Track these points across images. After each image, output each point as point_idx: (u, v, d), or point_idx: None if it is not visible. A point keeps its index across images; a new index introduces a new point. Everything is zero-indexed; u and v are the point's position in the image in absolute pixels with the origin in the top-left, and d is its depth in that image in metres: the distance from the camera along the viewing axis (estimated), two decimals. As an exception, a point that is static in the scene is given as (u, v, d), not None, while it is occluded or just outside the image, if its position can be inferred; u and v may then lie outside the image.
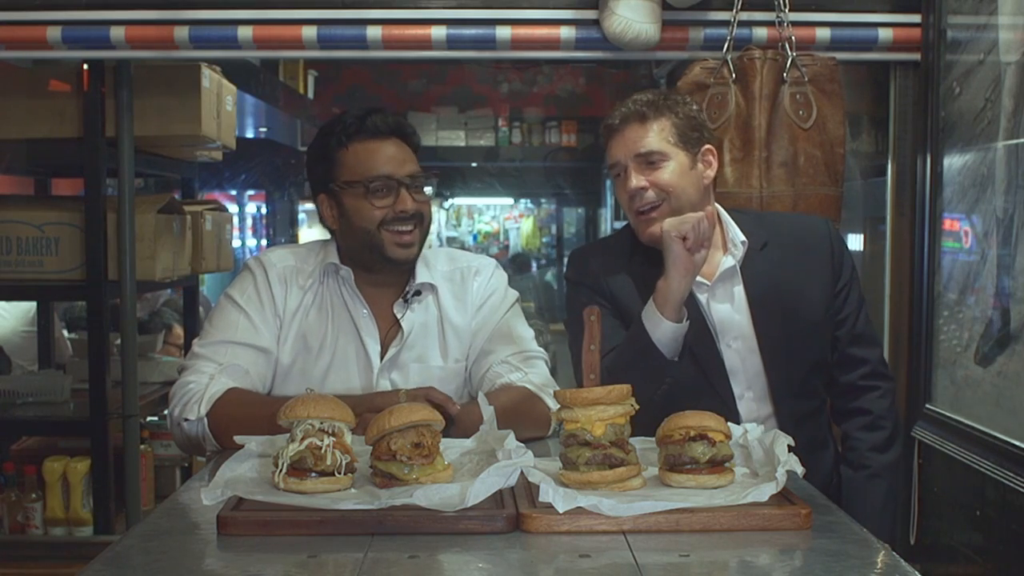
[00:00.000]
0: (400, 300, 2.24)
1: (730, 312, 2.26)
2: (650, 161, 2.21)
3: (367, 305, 2.22)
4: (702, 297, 2.25)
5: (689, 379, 2.18)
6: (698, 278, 2.22)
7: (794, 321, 2.25)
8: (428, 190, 2.23)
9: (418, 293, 2.25)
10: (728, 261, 2.26)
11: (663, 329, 2.11)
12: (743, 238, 2.27)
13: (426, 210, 2.20)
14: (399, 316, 2.23)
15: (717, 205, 2.33)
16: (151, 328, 4.84)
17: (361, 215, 2.15)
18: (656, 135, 2.21)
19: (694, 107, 2.30)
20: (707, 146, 2.27)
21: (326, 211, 2.23)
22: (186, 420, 2.06)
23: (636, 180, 2.20)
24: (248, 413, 2.01)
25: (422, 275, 2.26)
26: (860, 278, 2.41)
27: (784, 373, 2.25)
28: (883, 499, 2.27)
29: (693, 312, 2.22)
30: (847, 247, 2.37)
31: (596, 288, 2.30)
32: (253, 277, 2.23)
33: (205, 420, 2.05)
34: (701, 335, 2.22)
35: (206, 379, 2.09)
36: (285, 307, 2.20)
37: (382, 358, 2.21)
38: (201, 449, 2.10)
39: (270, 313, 2.19)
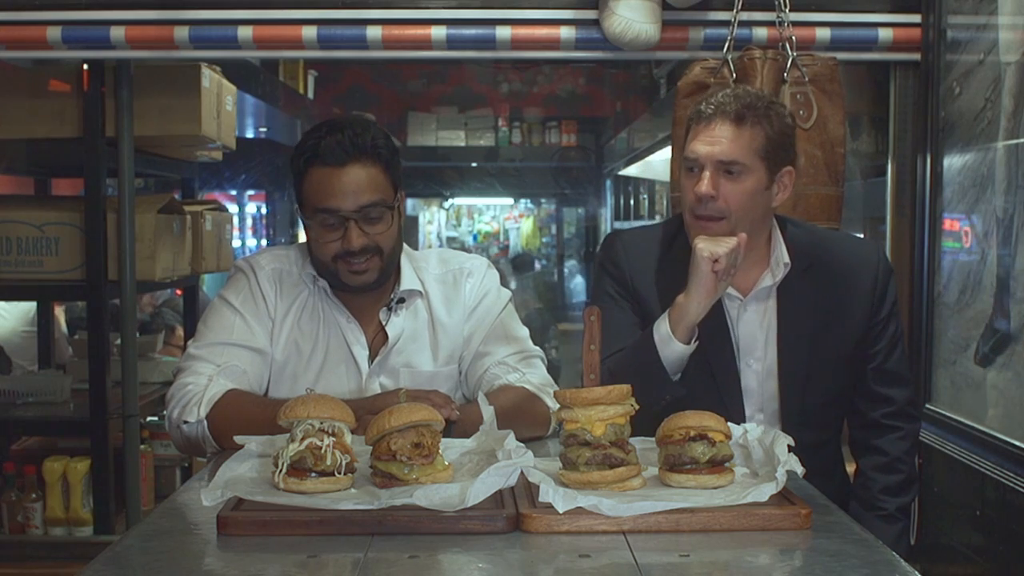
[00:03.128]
0: (384, 308, 2.22)
1: (757, 331, 2.18)
2: (730, 171, 2.06)
3: (349, 313, 2.21)
4: (732, 311, 2.18)
5: (701, 391, 2.13)
6: (732, 291, 2.17)
7: (820, 352, 2.17)
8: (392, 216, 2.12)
9: (402, 301, 2.23)
10: (766, 280, 2.17)
11: (671, 349, 2.06)
12: (787, 260, 2.16)
13: (383, 240, 2.10)
14: (384, 323, 2.21)
15: (774, 218, 2.22)
16: (152, 329, 4.85)
17: (316, 244, 2.13)
18: (746, 143, 2.05)
19: (789, 120, 2.13)
20: (788, 168, 2.12)
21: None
22: (185, 423, 2.05)
23: (706, 186, 2.05)
24: (248, 414, 2.00)
25: (408, 281, 2.23)
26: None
27: (799, 402, 2.18)
28: (895, 540, 2.19)
29: (719, 325, 2.16)
30: (893, 279, 2.25)
31: (620, 279, 2.23)
32: (246, 278, 2.22)
33: (205, 422, 2.03)
34: (722, 349, 2.17)
35: (204, 380, 2.08)
36: (276, 309, 2.19)
37: (370, 363, 2.20)
38: (200, 451, 2.09)
39: (264, 314, 2.18)
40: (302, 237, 2.29)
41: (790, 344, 2.17)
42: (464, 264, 2.31)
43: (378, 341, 2.22)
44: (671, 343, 2.06)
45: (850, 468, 2.38)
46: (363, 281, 2.13)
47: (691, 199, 2.10)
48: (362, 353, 2.19)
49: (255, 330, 2.16)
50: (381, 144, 2.10)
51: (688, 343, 2.07)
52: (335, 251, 2.09)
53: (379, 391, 2.16)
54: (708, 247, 2.02)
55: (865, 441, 2.28)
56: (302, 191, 2.12)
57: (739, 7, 2.78)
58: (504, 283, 2.39)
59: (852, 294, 2.20)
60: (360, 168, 2.07)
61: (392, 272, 2.21)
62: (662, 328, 2.08)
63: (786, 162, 2.12)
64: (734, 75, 2.75)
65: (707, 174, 2.06)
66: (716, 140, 2.06)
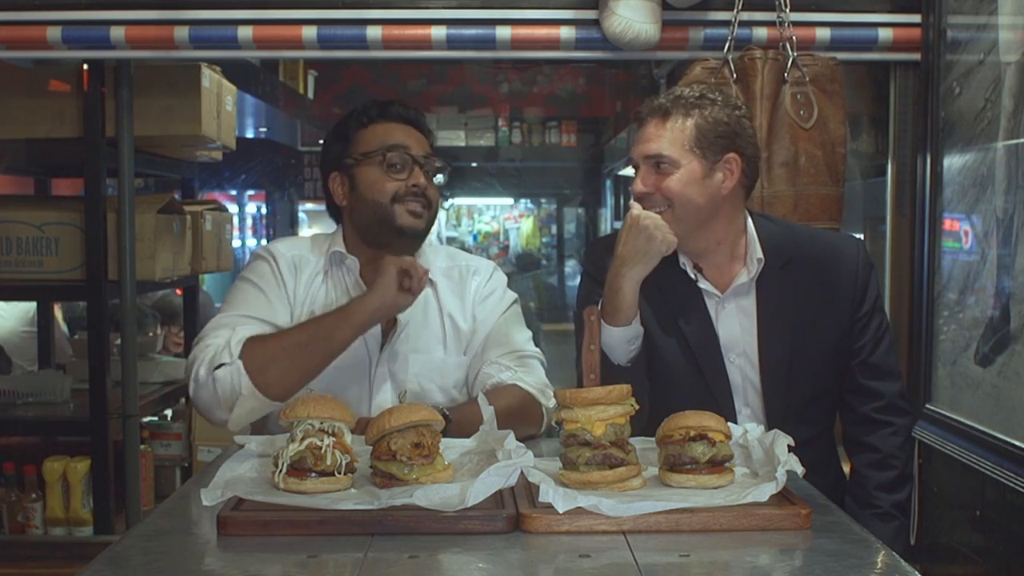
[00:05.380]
0: None
1: (737, 328, 2.20)
2: (658, 164, 2.12)
3: None
4: (712, 308, 2.20)
5: (692, 389, 2.16)
6: (710, 288, 2.20)
7: (801, 348, 2.18)
8: (439, 178, 2.25)
9: None
10: (743, 276, 2.19)
11: (611, 334, 2.06)
12: (760, 255, 2.18)
13: (435, 196, 2.24)
14: None
15: (748, 214, 2.24)
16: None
17: (375, 188, 2.19)
18: (669, 137, 2.11)
19: (735, 111, 2.17)
20: (730, 154, 2.13)
21: (337, 188, 2.26)
22: (219, 368, 2.02)
23: (640, 184, 2.13)
24: (276, 342, 2.04)
25: None
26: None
27: (782, 398, 2.19)
28: (892, 538, 2.20)
29: (702, 322, 2.19)
30: (875, 273, 2.27)
31: (604, 282, 2.25)
32: (268, 262, 2.24)
33: (240, 363, 2.02)
34: (707, 346, 2.18)
35: (223, 340, 2.08)
36: (295, 294, 2.21)
37: (381, 349, 2.21)
38: (230, 401, 2.03)
39: (285, 297, 2.21)
40: (303, 234, 2.30)
41: (770, 340, 2.19)
42: (471, 263, 2.35)
43: (387, 327, 2.23)
44: (606, 328, 2.07)
45: (846, 467, 2.39)
46: (416, 226, 2.21)
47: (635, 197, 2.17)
48: (373, 340, 2.20)
49: (276, 308, 2.18)
50: (427, 127, 2.34)
51: (624, 325, 2.06)
52: (396, 189, 2.18)
53: (388, 377, 2.19)
54: (640, 211, 2.09)
55: (857, 437, 2.29)
56: (359, 144, 2.23)
57: (739, 7, 2.78)
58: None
59: (832, 289, 2.22)
60: (418, 132, 2.29)
61: (423, 241, 2.29)
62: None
63: (727, 149, 2.14)
64: (734, 75, 2.75)
65: (641, 171, 2.14)
66: (645, 138, 2.14)
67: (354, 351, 2.17)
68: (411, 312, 2.21)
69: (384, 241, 2.21)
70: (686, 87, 2.18)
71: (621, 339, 2.06)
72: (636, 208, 2.10)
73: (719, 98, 2.17)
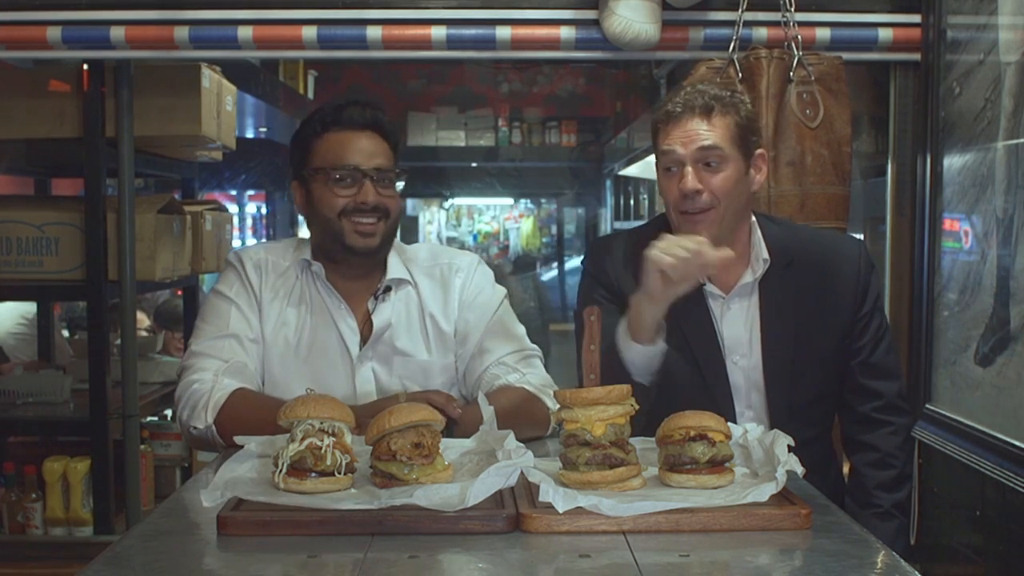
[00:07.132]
0: (372, 297, 2.24)
1: (741, 329, 2.20)
2: (708, 162, 2.09)
3: (340, 297, 2.23)
4: (716, 309, 2.20)
5: (692, 390, 2.15)
6: (714, 289, 2.19)
7: (804, 349, 2.19)
8: (400, 185, 2.23)
9: (388, 290, 2.25)
10: (747, 276, 2.19)
11: (632, 350, 2.06)
12: (766, 256, 2.19)
13: (391, 204, 2.19)
14: (371, 311, 2.23)
15: (753, 214, 2.25)
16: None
17: (324, 203, 2.18)
18: (719, 133, 2.09)
19: (751, 106, 2.20)
20: (760, 151, 2.18)
21: (297, 197, 2.27)
22: (194, 428, 2.08)
23: (692, 182, 2.08)
24: (256, 417, 2.00)
25: (395, 271, 2.26)
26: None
27: (785, 399, 2.19)
28: (892, 538, 2.20)
29: (704, 324, 2.19)
30: (875, 273, 2.28)
31: (607, 284, 2.25)
32: (236, 271, 2.26)
33: (213, 427, 2.06)
34: (709, 347, 2.18)
35: (210, 379, 2.10)
36: (262, 296, 2.22)
37: (361, 349, 2.21)
38: (213, 447, 2.12)
39: (255, 302, 2.22)
40: (303, 235, 2.31)
41: (774, 340, 2.19)
42: (453, 260, 2.32)
43: (367, 329, 2.23)
44: (629, 344, 2.06)
45: (844, 469, 2.39)
46: (367, 244, 2.18)
47: (675, 197, 2.12)
48: (352, 338, 2.21)
49: (250, 319, 2.20)
50: (390, 127, 2.24)
51: (648, 344, 2.06)
52: (344, 205, 2.15)
53: (371, 378, 2.19)
54: (659, 254, 1.97)
55: (856, 437, 2.29)
56: (313, 154, 2.19)
57: (743, 7, 2.78)
58: (503, 283, 2.39)
59: (834, 290, 2.22)
60: (375, 136, 2.20)
61: (387, 250, 2.25)
62: (622, 330, 2.08)
63: (757, 145, 2.18)
64: (740, 75, 2.75)
65: (689, 169, 2.10)
66: (691, 135, 2.10)
67: (333, 355, 2.20)
68: (389, 314, 2.22)
69: (338, 257, 2.21)
70: (710, 86, 2.17)
71: (643, 355, 2.06)
72: (657, 250, 1.99)
73: (743, 97, 2.19)
